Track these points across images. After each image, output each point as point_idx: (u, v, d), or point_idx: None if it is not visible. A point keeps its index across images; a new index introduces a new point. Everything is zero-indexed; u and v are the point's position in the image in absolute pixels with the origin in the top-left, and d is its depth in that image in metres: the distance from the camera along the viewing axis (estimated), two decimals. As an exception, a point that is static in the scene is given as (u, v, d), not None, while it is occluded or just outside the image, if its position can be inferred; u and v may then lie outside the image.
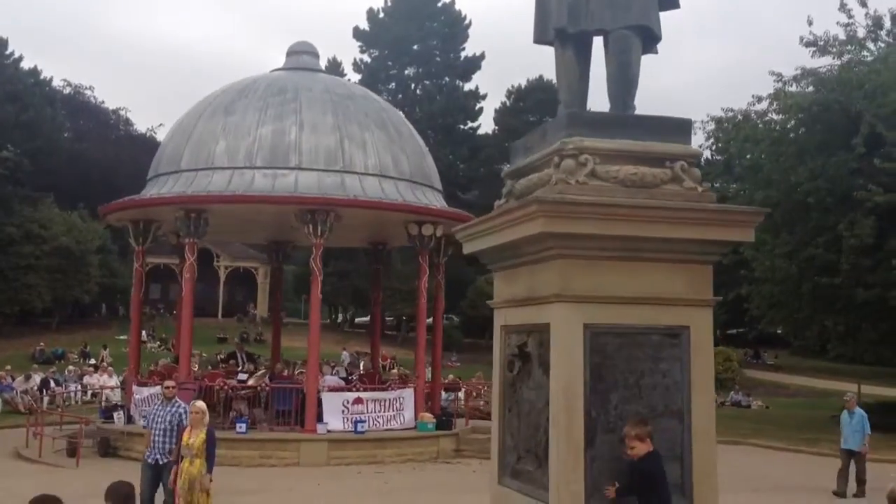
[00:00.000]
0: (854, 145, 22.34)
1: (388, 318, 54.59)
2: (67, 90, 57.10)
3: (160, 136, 60.96)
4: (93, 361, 34.92)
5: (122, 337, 44.29)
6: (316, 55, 21.25)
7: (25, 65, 48.55)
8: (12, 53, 47.56)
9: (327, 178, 17.67)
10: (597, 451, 5.53)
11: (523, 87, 58.82)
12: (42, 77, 49.53)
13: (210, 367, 21.08)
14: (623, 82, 6.20)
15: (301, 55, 20.60)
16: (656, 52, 6.50)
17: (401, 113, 21.16)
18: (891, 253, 21.28)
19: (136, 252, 19.53)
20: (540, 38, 6.59)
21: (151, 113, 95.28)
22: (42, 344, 37.89)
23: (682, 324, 5.75)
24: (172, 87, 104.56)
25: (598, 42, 6.47)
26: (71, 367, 31.62)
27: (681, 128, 6.04)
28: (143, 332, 45.24)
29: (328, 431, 17.18)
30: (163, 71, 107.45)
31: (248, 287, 57.71)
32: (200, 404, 9.98)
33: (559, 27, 6.27)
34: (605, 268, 5.68)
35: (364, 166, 18.10)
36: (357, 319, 58.08)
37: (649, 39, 6.33)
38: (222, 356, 22.81)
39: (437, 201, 19.29)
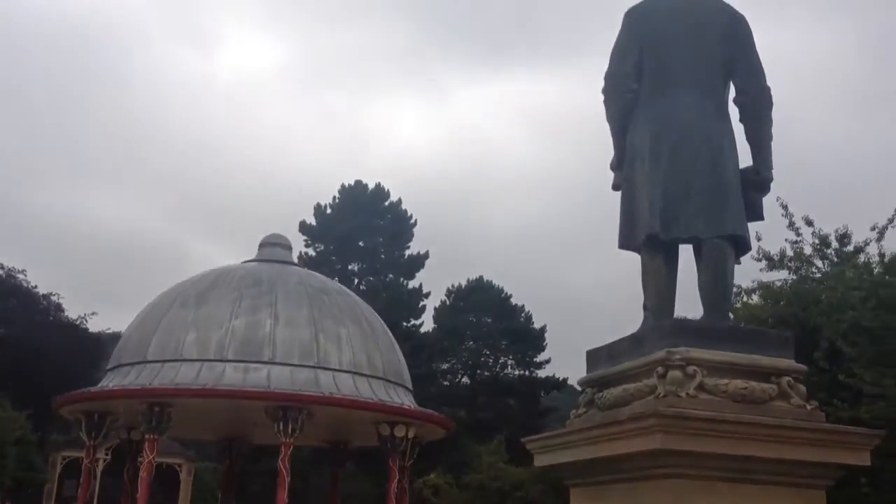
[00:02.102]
0: (816, 359, 22.67)
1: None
2: (-1, 273, 55.60)
3: (91, 325, 59.20)
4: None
5: (35, 538, 41.00)
6: (289, 248, 21.18)
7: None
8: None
9: (301, 374, 17.12)
10: None
11: (463, 286, 59.58)
12: (-25, 259, 48.39)
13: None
14: (720, 292, 6.09)
15: (274, 247, 20.49)
16: (740, 263, 6.44)
17: (372, 309, 20.84)
18: (857, 470, 21.14)
19: (87, 447, 18.34)
20: (626, 244, 6.49)
21: (83, 299, 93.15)
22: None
23: (801, 555, 5.34)
24: (105, 274, 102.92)
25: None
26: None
27: (783, 342, 5.87)
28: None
29: None
30: (95, 257, 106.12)
31: (170, 485, 54.65)
32: None
33: (652, 234, 6.18)
34: (718, 489, 5.28)
35: (338, 362, 17.64)
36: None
37: (739, 249, 6.29)
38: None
39: (408, 401, 18.78)
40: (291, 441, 16.60)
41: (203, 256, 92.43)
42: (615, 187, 6.80)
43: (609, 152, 6.93)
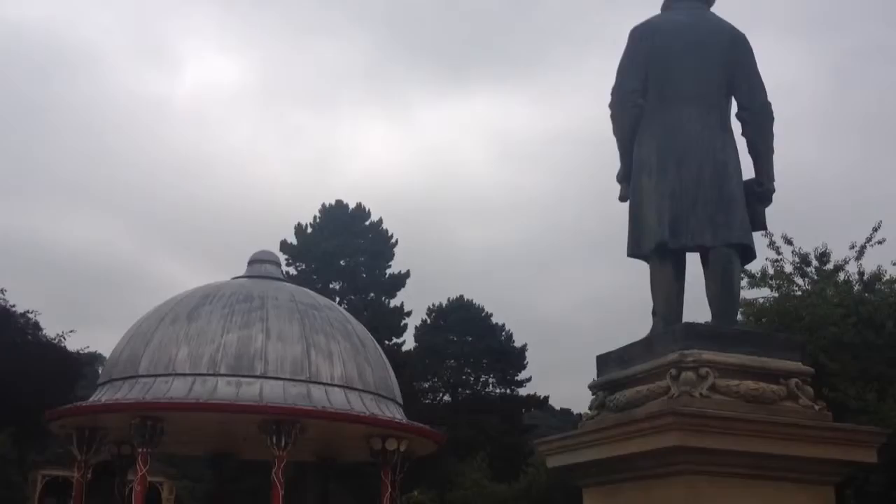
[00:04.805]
0: (798, 374, 23.03)
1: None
2: (-25, 293, 54.90)
3: (70, 343, 58.70)
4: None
5: (14, 558, 40.58)
6: (278, 264, 21.33)
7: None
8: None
9: (293, 388, 17.22)
10: None
11: (443, 305, 59.76)
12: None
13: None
14: (728, 298, 6.33)
15: (264, 264, 20.61)
16: (742, 275, 6.70)
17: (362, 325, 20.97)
18: (844, 484, 21.47)
19: (77, 462, 18.28)
20: (635, 253, 6.71)
21: (59, 318, 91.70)
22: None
23: (809, 549, 5.55)
24: (79, 294, 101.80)
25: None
26: None
27: (793, 345, 6.11)
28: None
29: None
30: (70, 277, 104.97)
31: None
32: None
33: (661, 242, 6.40)
34: (731, 485, 5.50)
35: (330, 377, 17.76)
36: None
37: (744, 258, 6.54)
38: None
39: (399, 415, 18.91)
40: (285, 454, 16.66)
41: (174, 277, 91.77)
42: (622, 198, 7.02)
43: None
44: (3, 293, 56.15)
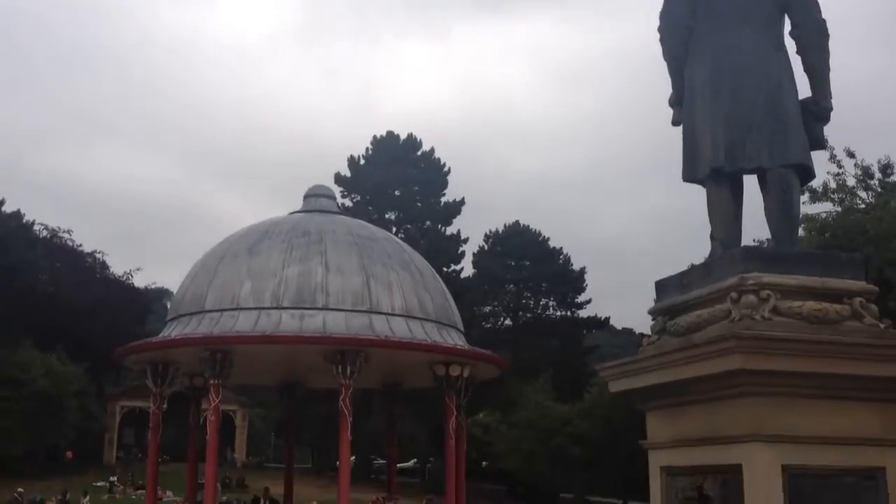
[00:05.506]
0: (864, 289, 22.68)
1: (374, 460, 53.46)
2: (44, 234, 56.68)
3: (137, 280, 60.28)
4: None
5: (99, 483, 42.80)
6: (333, 198, 21.50)
7: (7, 208, 48.46)
8: (-5, 199, 47.53)
9: (355, 319, 17.47)
10: None
11: (500, 231, 59.85)
12: (25, 221, 49.36)
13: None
14: (787, 220, 6.27)
15: (319, 198, 20.77)
16: (803, 192, 6.61)
17: (420, 255, 21.11)
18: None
19: (153, 394, 18.94)
20: (690, 177, 6.66)
21: (126, 256, 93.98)
22: (21, 489, 36.18)
23: (877, 465, 5.56)
24: (141, 231, 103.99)
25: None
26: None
27: (854, 264, 6.05)
28: (115, 478, 44.01)
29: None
30: (130, 215, 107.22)
31: (226, 431, 56.15)
32: None
33: (716, 166, 6.34)
34: (797, 406, 5.53)
35: (390, 307, 17.96)
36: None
37: (802, 178, 6.45)
38: None
39: (461, 341, 19.15)
40: (351, 382, 16.99)
41: (231, 214, 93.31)
42: (675, 123, 6.94)
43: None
44: (69, 234, 57.89)
